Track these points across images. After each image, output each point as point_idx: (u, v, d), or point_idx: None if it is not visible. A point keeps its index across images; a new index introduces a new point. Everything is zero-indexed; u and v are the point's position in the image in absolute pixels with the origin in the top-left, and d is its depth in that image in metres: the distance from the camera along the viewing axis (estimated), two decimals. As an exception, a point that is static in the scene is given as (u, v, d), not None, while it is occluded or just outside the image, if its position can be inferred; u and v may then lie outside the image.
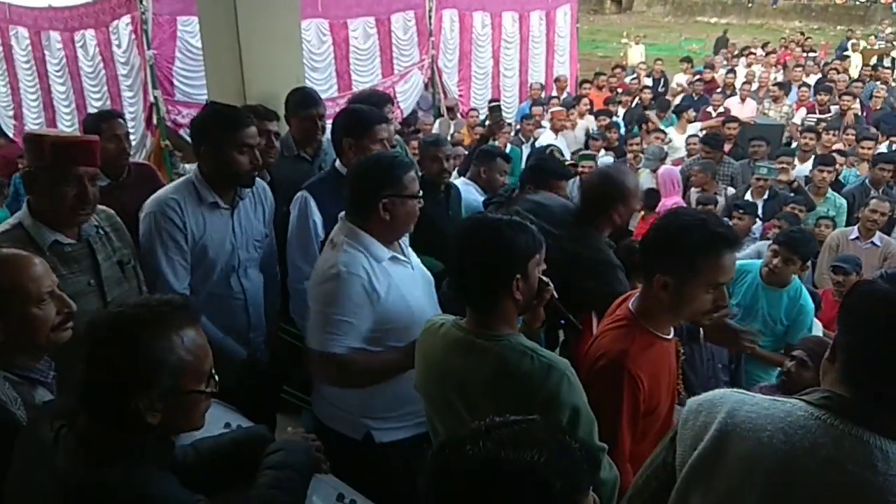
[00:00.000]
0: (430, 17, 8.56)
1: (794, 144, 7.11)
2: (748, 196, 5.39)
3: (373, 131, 2.70)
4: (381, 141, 2.73)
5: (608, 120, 7.87)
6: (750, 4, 24.84)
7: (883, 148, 6.53)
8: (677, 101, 9.43)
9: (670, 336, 1.84)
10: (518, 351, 1.61)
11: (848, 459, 1.04)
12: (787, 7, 24.25)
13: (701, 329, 2.47)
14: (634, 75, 11.27)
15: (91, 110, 6.20)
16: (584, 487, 0.95)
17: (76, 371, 1.27)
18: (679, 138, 7.38)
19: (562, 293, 1.89)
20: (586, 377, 1.71)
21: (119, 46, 6.64)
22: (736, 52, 13.86)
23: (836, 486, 1.05)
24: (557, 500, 0.90)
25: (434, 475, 0.95)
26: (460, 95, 9.31)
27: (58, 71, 7.68)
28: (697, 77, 10.35)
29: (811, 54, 13.22)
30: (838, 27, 21.17)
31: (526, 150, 7.03)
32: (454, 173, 4.03)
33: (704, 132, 7.17)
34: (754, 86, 9.58)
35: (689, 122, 7.67)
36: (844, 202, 5.26)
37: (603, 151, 6.83)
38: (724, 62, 12.46)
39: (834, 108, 8.32)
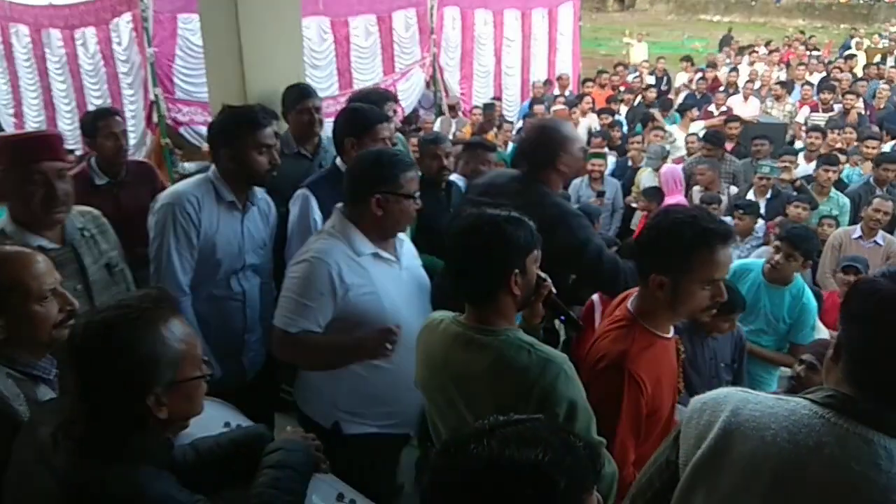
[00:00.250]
0: (431, 15, 8.54)
1: (797, 143, 7.09)
2: (751, 195, 5.39)
3: (374, 130, 2.74)
4: (383, 140, 2.76)
5: (610, 118, 7.86)
6: (753, 3, 24.82)
7: (887, 147, 6.51)
8: (680, 99, 9.42)
9: (670, 335, 1.85)
10: (516, 345, 1.62)
11: (852, 458, 1.04)
12: (790, 5, 24.23)
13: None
14: (637, 73, 11.25)
15: (91, 108, 6.19)
16: (589, 485, 0.96)
17: (69, 379, 1.29)
18: (682, 137, 7.37)
19: (559, 288, 1.88)
20: (587, 378, 1.71)
21: (119, 44, 6.65)
22: (738, 51, 13.85)
23: (841, 484, 1.05)
24: (562, 499, 0.90)
25: (438, 474, 0.95)
26: (462, 93, 9.29)
27: (58, 69, 7.68)
28: (700, 75, 10.34)
29: (815, 52, 13.19)
30: (842, 25, 21.14)
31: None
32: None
33: (705, 131, 7.16)
34: (757, 84, 9.56)
35: (692, 120, 7.66)
36: (848, 201, 5.25)
37: (606, 150, 6.82)
38: (727, 60, 12.44)
39: (837, 107, 8.30)
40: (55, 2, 7.18)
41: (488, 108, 8.05)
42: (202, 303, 2.44)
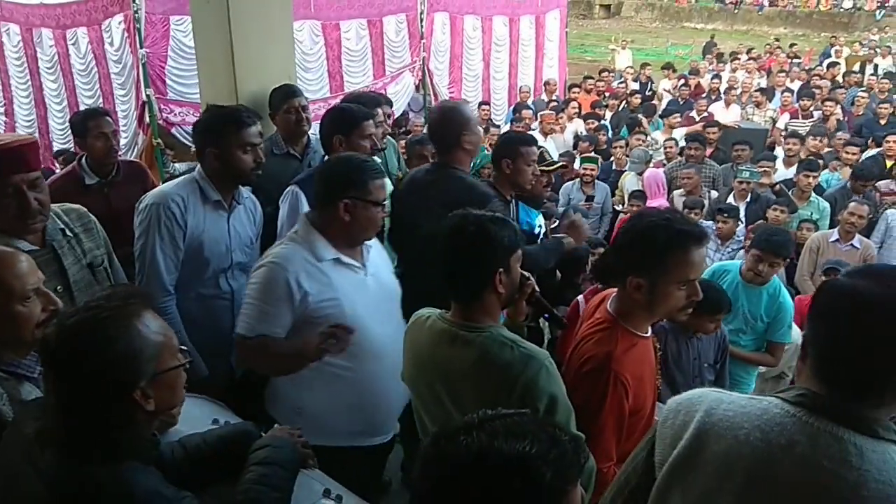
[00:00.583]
0: (421, 20, 8.60)
1: (777, 149, 7.22)
2: (731, 199, 5.47)
3: (361, 127, 2.78)
4: (370, 136, 2.80)
5: (596, 123, 7.96)
6: (736, 11, 25.07)
7: (873, 152, 6.58)
8: (663, 105, 9.55)
9: (648, 334, 1.88)
10: (499, 342, 1.66)
11: (823, 456, 1.05)
12: (772, 14, 24.48)
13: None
14: (622, 79, 11.39)
15: (83, 108, 6.18)
16: (573, 478, 0.97)
17: (48, 383, 1.28)
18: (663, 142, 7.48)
19: (544, 288, 1.95)
20: (572, 381, 1.74)
21: (111, 45, 6.61)
22: (718, 57, 14.02)
23: (812, 482, 1.06)
24: (547, 490, 0.92)
25: (428, 465, 0.97)
26: (451, 97, 9.35)
27: (49, 68, 7.62)
28: (683, 82, 10.48)
29: (795, 60, 13.39)
30: (822, 34, 21.40)
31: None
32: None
33: (686, 135, 7.27)
34: (738, 91, 9.71)
35: (672, 126, 7.78)
36: (828, 205, 5.32)
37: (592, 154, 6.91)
38: (710, 67, 12.61)
39: (817, 114, 8.46)
40: (46, 1, 7.14)
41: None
42: (190, 302, 2.43)
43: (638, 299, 1.75)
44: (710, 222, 5.04)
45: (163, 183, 3.44)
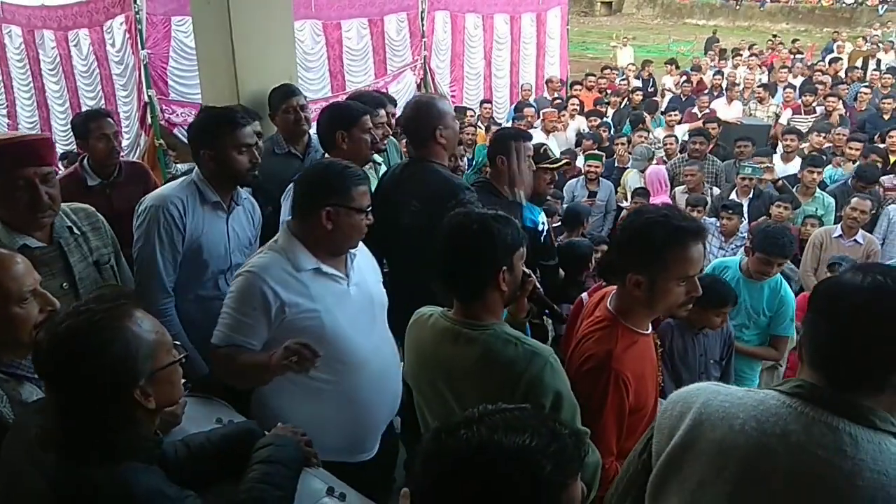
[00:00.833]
0: (422, 19, 8.62)
1: (778, 145, 7.20)
2: (733, 196, 5.47)
3: (361, 121, 2.77)
4: (370, 130, 2.80)
5: (599, 120, 7.96)
6: (738, 7, 25.02)
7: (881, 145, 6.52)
8: (665, 102, 9.54)
9: (649, 331, 1.87)
10: (503, 339, 1.66)
11: (818, 445, 1.06)
12: (774, 9, 24.42)
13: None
14: (624, 76, 11.38)
15: (85, 109, 6.20)
16: (573, 472, 0.97)
17: (46, 390, 1.28)
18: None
19: (547, 286, 1.95)
20: (572, 379, 1.73)
21: (113, 46, 6.64)
22: (720, 54, 13.99)
23: (807, 471, 1.07)
24: (547, 484, 0.92)
25: (429, 457, 0.97)
26: (452, 96, 9.35)
27: (52, 70, 7.66)
28: (685, 78, 10.46)
29: (798, 56, 13.36)
30: (825, 29, 21.34)
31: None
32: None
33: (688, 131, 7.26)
34: (741, 86, 9.69)
35: (673, 124, 7.76)
36: (833, 201, 5.30)
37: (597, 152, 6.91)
38: (712, 64, 12.59)
39: (819, 110, 8.43)
40: (48, 3, 7.16)
41: (458, 112, 8.11)
42: (189, 304, 2.42)
43: (638, 296, 1.74)
44: (713, 219, 5.04)
45: (165, 184, 3.44)
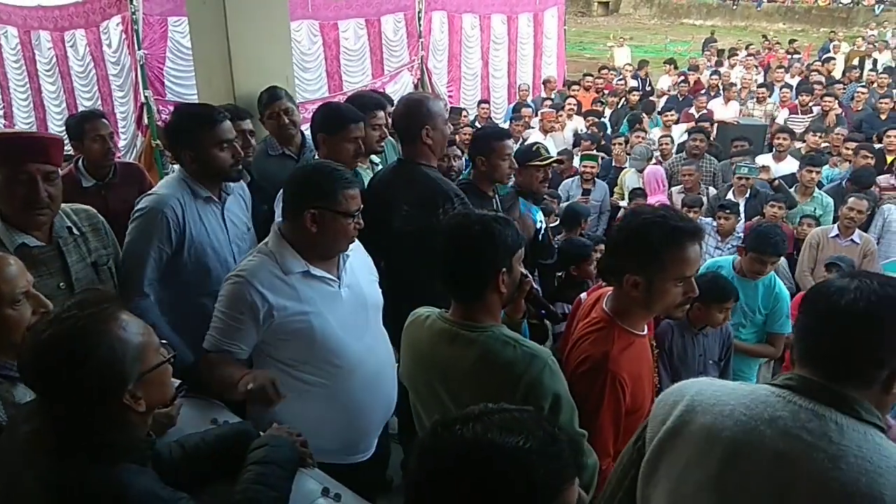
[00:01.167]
0: (419, 19, 8.62)
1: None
2: (730, 195, 5.46)
3: (347, 129, 2.70)
4: (355, 140, 2.72)
5: (596, 120, 7.96)
6: (735, 7, 25.05)
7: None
8: (662, 102, 9.55)
9: (644, 332, 1.87)
10: (501, 341, 1.66)
11: (804, 429, 1.11)
12: (770, 9, 24.46)
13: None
14: (621, 77, 11.40)
15: (81, 110, 6.19)
16: (569, 477, 0.97)
17: (37, 396, 1.27)
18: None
19: (546, 287, 1.95)
20: (569, 381, 1.72)
21: (109, 46, 6.64)
22: (716, 54, 14.02)
23: (792, 454, 1.10)
24: (540, 486, 0.92)
25: (423, 453, 0.98)
26: (450, 96, 9.37)
27: (48, 70, 7.66)
28: (682, 78, 10.48)
29: (796, 56, 13.39)
30: (821, 29, 21.39)
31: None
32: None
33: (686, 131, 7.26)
34: (738, 87, 9.71)
35: (670, 124, 7.77)
36: (831, 201, 5.28)
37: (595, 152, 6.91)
38: (708, 64, 12.61)
39: (816, 110, 8.45)
40: (44, 3, 7.15)
41: (453, 112, 8.12)
42: (189, 305, 2.39)
43: (635, 297, 1.74)
44: (710, 219, 5.04)
45: (162, 184, 3.42)
